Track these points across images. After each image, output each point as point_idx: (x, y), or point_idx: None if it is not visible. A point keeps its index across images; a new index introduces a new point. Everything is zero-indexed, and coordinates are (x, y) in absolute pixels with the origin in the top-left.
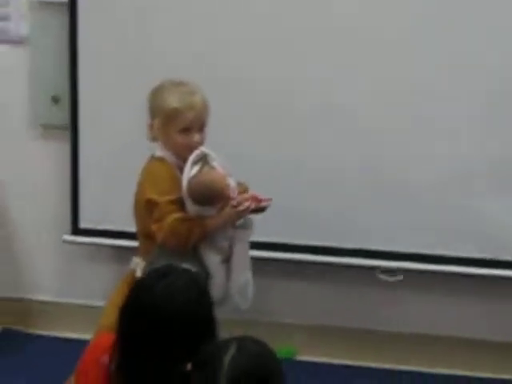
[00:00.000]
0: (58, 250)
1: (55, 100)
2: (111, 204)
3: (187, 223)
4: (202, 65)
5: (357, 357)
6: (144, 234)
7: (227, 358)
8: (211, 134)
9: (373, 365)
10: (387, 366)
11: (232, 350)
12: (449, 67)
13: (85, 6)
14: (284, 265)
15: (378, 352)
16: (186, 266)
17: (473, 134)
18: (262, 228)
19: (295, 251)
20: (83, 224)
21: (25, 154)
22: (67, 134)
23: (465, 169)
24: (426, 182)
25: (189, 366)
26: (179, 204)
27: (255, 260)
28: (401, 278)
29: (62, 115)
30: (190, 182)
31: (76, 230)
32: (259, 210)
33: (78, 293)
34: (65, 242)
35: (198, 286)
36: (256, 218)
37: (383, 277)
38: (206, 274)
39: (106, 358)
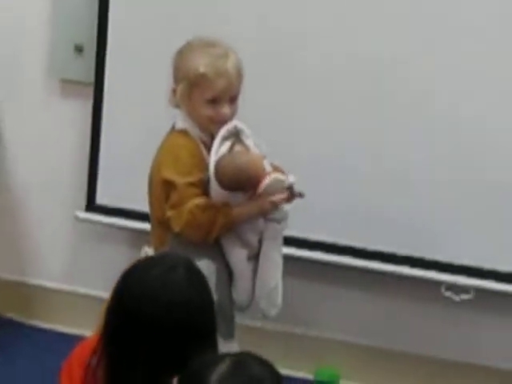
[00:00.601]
0: (68, 229)
1: (78, 49)
2: (136, 178)
3: (210, 211)
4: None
5: None
6: (158, 221)
7: (213, 378)
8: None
9: None
10: None
11: (222, 369)
12: None
13: None
14: (329, 268)
15: None
16: (204, 261)
17: None
18: (306, 222)
19: (343, 253)
20: (100, 200)
21: (38, 112)
22: (90, 91)
23: None
24: (508, 184)
25: (175, 381)
26: (202, 187)
27: (293, 259)
28: (470, 297)
29: (86, 68)
30: (218, 162)
31: (91, 207)
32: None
33: (87, 280)
34: (77, 219)
35: (200, 280)
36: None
37: (449, 294)
38: (229, 273)
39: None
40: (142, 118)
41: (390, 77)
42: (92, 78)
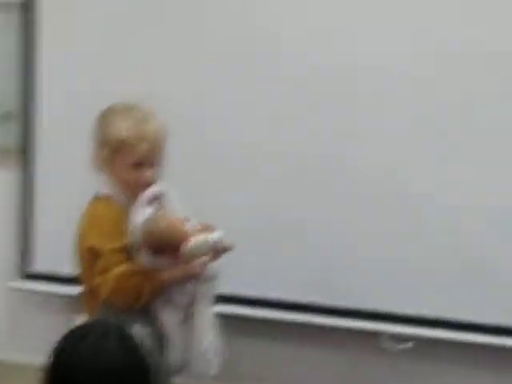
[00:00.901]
0: (2, 298)
1: (6, 117)
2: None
3: (136, 277)
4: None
5: None
6: (88, 288)
7: None
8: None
9: None
10: None
11: None
12: None
13: (45, 5)
14: (268, 324)
15: None
16: (136, 326)
17: None
18: (245, 280)
19: (282, 308)
20: (35, 267)
21: None
22: (20, 159)
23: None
24: (446, 233)
25: None
26: (127, 253)
27: (234, 318)
28: (410, 346)
29: (15, 135)
30: (141, 226)
31: (25, 275)
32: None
33: (24, 350)
34: (11, 288)
35: (133, 346)
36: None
37: (389, 344)
38: (161, 336)
39: None
40: (75, 182)
41: None
42: (21, 146)
